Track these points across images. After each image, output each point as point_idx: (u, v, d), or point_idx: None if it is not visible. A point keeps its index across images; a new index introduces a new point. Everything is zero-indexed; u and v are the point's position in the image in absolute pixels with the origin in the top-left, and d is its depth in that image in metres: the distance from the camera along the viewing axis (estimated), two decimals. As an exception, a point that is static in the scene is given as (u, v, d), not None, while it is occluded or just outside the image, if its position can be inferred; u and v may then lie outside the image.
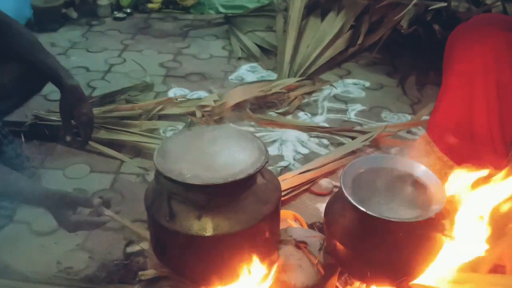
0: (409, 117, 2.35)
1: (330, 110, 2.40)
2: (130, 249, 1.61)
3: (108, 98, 2.36)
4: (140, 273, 1.41)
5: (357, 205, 1.16)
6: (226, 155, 1.19)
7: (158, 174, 1.17)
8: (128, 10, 3.43)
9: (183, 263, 1.22)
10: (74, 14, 3.30)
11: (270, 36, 2.97)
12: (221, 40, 3.10)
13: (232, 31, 3.10)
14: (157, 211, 1.18)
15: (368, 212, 1.14)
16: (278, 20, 2.97)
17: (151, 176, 1.91)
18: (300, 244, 1.33)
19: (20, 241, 1.62)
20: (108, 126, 2.11)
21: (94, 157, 2.03)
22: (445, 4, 2.46)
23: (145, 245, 1.55)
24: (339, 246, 1.22)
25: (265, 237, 1.21)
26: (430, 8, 2.52)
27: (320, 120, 2.32)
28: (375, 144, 2.13)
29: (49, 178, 1.89)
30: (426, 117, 2.24)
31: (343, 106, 2.43)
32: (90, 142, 2.04)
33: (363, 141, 2.09)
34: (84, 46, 2.98)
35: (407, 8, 2.58)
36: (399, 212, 1.23)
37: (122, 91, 2.41)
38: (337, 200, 1.28)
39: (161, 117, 2.25)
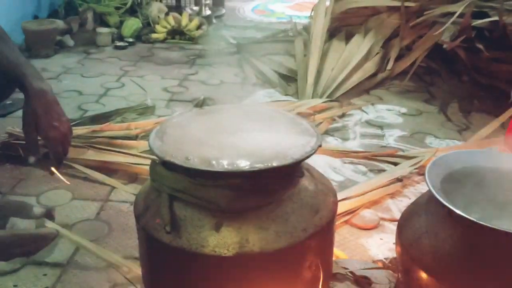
0: (459, 143, 1.97)
1: (363, 135, 2.02)
2: (115, 295, 1.19)
3: (100, 120, 1.98)
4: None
5: (464, 215, 0.75)
6: (258, 137, 0.80)
7: (154, 164, 0.77)
8: (131, 40, 3.13)
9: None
10: (70, 42, 3.00)
11: (288, 61, 2.64)
12: (232, 67, 2.76)
13: (244, 57, 2.77)
14: (152, 220, 0.77)
15: (485, 224, 0.72)
16: (297, 43, 2.65)
17: (148, 205, 1.52)
18: (361, 280, 0.90)
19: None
20: (98, 146, 1.73)
21: (78, 182, 1.64)
22: (495, 18, 2.13)
23: (137, 289, 1.14)
24: (428, 279, 0.80)
25: (315, 264, 0.79)
26: (475, 24, 2.19)
27: (353, 145, 1.94)
28: (424, 171, 1.72)
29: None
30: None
31: (378, 131, 2.05)
32: (74, 165, 1.67)
33: (410, 166, 1.70)
34: (79, 72, 2.65)
35: (446, 26, 2.25)
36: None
37: (117, 112, 2.05)
38: (419, 212, 0.87)
39: (162, 139, 1.86)
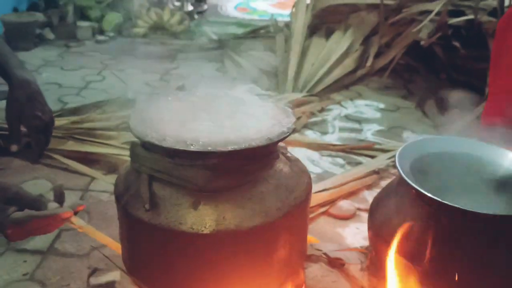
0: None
1: (342, 129, 2.05)
2: (95, 280, 1.19)
3: (80, 112, 1.98)
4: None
5: (428, 194, 0.78)
6: (235, 117, 0.82)
7: (134, 145, 0.79)
8: (111, 34, 3.12)
9: (169, 275, 0.81)
10: (51, 35, 2.99)
11: (269, 57, 2.66)
12: (214, 63, 2.78)
13: (226, 53, 2.79)
14: (132, 199, 0.79)
15: (445, 202, 0.76)
16: (278, 39, 2.67)
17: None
18: (335, 261, 0.93)
19: None
20: (78, 137, 1.73)
21: (58, 172, 1.64)
22: (471, 17, 2.18)
23: (117, 275, 1.15)
24: (398, 258, 0.83)
25: (289, 243, 0.82)
26: (451, 22, 2.24)
27: (332, 139, 1.97)
28: (400, 164, 1.76)
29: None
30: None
31: (356, 126, 2.09)
32: (55, 155, 1.67)
33: (387, 159, 1.73)
34: (59, 65, 2.64)
35: (423, 23, 2.30)
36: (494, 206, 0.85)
37: (97, 105, 2.05)
38: (390, 194, 0.90)
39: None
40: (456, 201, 0.80)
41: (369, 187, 1.64)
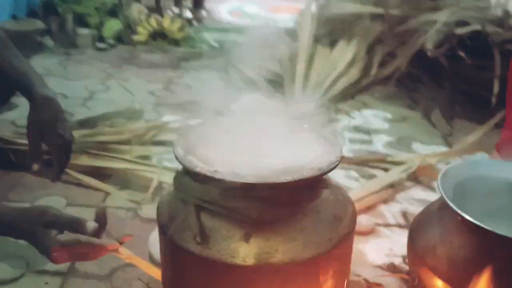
0: (444, 149, 2.02)
1: (352, 141, 2.05)
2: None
3: (89, 124, 1.96)
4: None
5: (479, 224, 0.77)
6: (283, 146, 0.81)
7: (181, 174, 0.78)
8: (112, 41, 3.09)
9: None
10: (50, 43, 2.95)
11: (273, 65, 2.65)
12: (218, 72, 2.76)
13: (229, 61, 2.78)
14: (180, 230, 0.77)
15: (499, 233, 0.76)
16: (282, 48, 2.67)
17: (144, 211, 1.53)
18: (375, 287, 0.93)
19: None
20: (91, 151, 1.71)
21: (72, 188, 1.62)
22: (478, 27, 2.20)
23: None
24: (443, 286, 0.83)
25: (338, 272, 0.81)
26: (458, 32, 2.26)
27: (343, 151, 1.96)
28: (413, 176, 1.77)
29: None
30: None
31: (366, 137, 2.09)
32: (68, 170, 1.65)
33: (401, 172, 1.74)
34: (62, 74, 2.60)
35: (430, 33, 2.31)
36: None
37: (105, 117, 2.03)
38: (431, 220, 0.90)
39: (154, 144, 1.86)
40: (502, 228, 0.79)
41: (385, 201, 1.64)
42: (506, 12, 2.25)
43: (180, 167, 0.80)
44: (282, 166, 0.75)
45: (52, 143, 1.25)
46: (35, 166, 1.26)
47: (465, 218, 0.80)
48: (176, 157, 0.78)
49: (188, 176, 0.78)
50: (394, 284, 0.96)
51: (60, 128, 1.26)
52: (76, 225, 0.87)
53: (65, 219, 0.88)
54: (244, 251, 0.74)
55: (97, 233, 0.89)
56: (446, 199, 0.83)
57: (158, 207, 0.86)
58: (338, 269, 0.81)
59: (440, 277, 0.84)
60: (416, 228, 0.93)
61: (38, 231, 0.86)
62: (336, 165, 0.77)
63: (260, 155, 0.79)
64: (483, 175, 0.93)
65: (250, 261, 0.73)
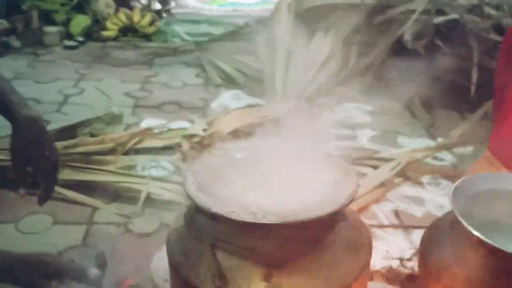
0: (428, 141, 2.03)
1: (337, 137, 2.04)
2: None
3: (67, 133, 1.89)
4: None
5: (496, 246, 0.77)
6: (296, 178, 0.78)
7: (192, 211, 0.75)
8: (80, 39, 2.99)
9: None
10: (16, 43, 2.83)
11: (250, 60, 2.61)
12: (193, 68, 2.71)
13: (205, 57, 2.72)
14: (196, 271, 0.74)
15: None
16: (259, 42, 2.62)
17: (135, 225, 1.48)
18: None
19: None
20: (73, 164, 1.65)
21: (57, 204, 1.56)
22: (456, 16, 2.20)
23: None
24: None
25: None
26: (435, 21, 2.26)
27: (329, 148, 1.95)
28: (401, 172, 1.77)
29: (-4, 235, 1.40)
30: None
31: (350, 132, 2.08)
32: (51, 186, 1.59)
33: (391, 169, 1.74)
34: (32, 77, 2.50)
35: (409, 24, 2.31)
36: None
37: (85, 124, 1.95)
38: (443, 236, 0.89)
39: (138, 152, 1.81)
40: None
41: (377, 200, 1.64)
42: (482, 0, 2.25)
43: (189, 202, 0.77)
44: (298, 202, 0.72)
45: (39, 166, 1.19)
46: (22, 192, 1.20)
47: (483, 240, 0.79)
48: (189, 196, 0.74)
49: (201, 213, 0.75)
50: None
51: (46, 148, 1.20)
52: (77, 273, 0.83)
53: (66, 266, 0.84)
54: (266, 292, 0.71)
55: (98, 280, 0.85)
56: (463, 221, 0.82)
57: (168, 244, 0.82)
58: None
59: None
60: (427, 246, 0.93)
61: (38, 282, 0.81)
62: (353, 199, 0.75)
63: (273, 189, 0.76)
64: (494, 189, 0.92)
65: (272, 302, 0.71)
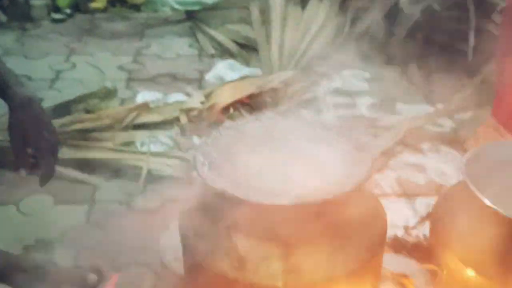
0: (427, 108, 2.02)
1: (336, 106, 2.02)
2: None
3: (62, 110, 1.85)
4: None
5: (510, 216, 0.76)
6: (308, 157, 0.77)
7: (206, 193, 0.73)
8: (68, 11, 2.91)
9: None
10: (2, 18, 2.75)
11: (245, 29, 2.56)
12: (185, 38, 2.65)
13: (198, 27, 2.67)
14: (210, 253, 0.73)
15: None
16: (253, 10, 2.57)
17: (138, 202, 1.47)
18: (402, 279, 0.92)
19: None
20: (71, 142, 1.62)
21: (57, 184, 1.52)
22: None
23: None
24: (477, 278, 0.83)
25: (376, 276, 0.80)
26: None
27: (329, 117, 1.93)
28: (401, 140, 1.77)
29: (-2, 217, 1.39)
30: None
31: (349, 100, 2.07)
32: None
33: (393, 137, 1.73)
34: (21, 52, 2.44)
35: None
36: None
37: (79, 100, 1.92)
38: (457, 208, 0.89)
39: (136, 127, 1.78)
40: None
41: (379, 170, 1.63)
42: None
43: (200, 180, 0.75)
44: (313, 182, 0.71)
45: (38, 147, 1.16)
46: (22, 172, 1.17)
47: (497, 210, 0.79)
48: (203, 179, 0.73)
49: (215, 196, 0.73)
50: (419, 273, 0.96)
51: (45, 129, 1.17)
52: (75, 279, 0.81)
53: (64, 272, 0.82)
54: (285, 273, 0.71)
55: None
56: (477, 192, 0.81)
57: (180, 228, 0.81)
58: (376, 275, 0.79)
59: (472, 268, 0.84)
60: (439, 217, 0.92)
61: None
62: (369, 178, 0.74)
63: (285, 168, 0.75)
64: (506, 159, 0.91)
65: (292, 282, 0.70)
